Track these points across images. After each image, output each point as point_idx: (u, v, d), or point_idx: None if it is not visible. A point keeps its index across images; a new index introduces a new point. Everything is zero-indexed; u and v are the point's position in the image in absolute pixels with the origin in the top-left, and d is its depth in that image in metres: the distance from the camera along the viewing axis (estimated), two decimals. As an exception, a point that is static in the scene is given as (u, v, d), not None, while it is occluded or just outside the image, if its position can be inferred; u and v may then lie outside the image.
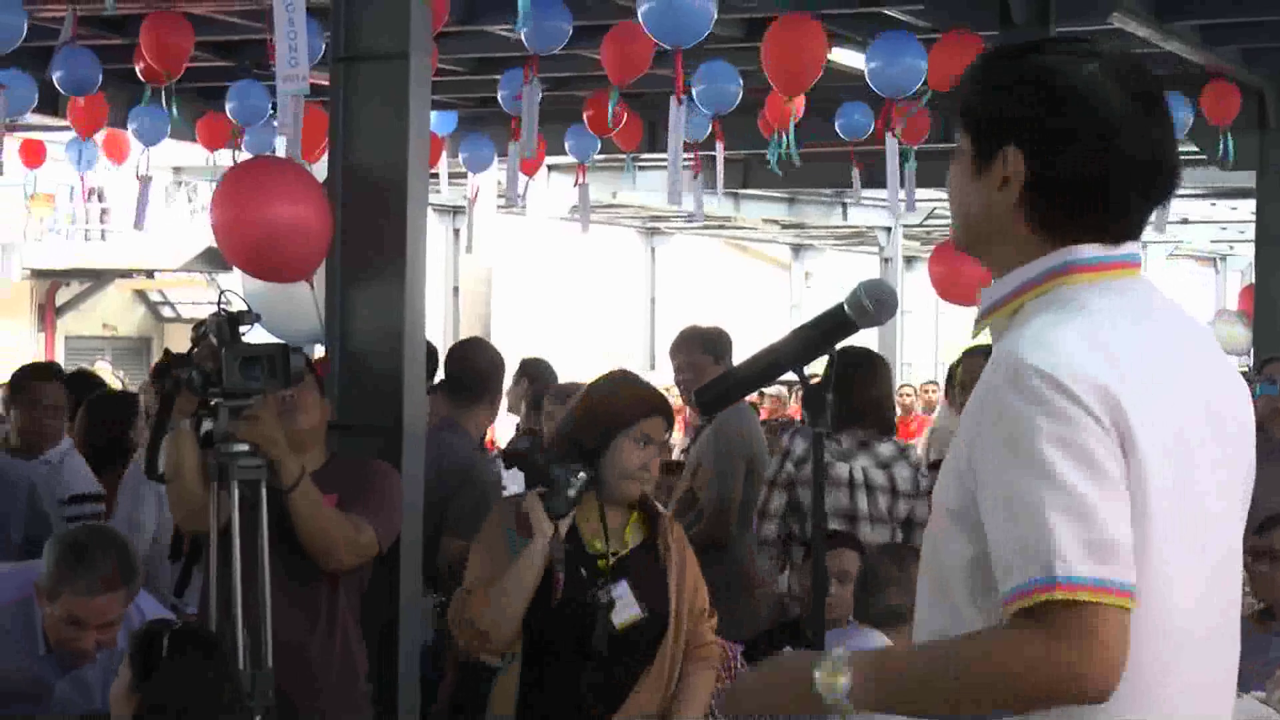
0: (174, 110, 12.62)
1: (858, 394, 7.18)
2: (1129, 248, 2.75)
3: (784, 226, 28.34)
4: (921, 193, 17.11)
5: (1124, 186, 2.71)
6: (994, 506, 2.58)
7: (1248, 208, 14.71)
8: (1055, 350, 2.57)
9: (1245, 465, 2.81)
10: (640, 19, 8.45)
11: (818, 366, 3.21)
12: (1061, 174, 2.68)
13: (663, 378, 19.20)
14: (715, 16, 8.47)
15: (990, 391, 2.63)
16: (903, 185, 12.83)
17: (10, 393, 7.99)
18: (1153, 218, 2.84)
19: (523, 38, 9.71)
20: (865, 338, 4.49)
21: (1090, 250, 2.71)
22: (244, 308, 5.22)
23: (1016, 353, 2.60)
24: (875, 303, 3.07)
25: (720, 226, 28.95)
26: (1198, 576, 2.70)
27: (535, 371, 10.10)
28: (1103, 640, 2.51)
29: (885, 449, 7.19)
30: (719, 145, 12.98)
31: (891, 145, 11.30)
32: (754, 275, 35.95)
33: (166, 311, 31.68)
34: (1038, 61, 2.73)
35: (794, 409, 17.05)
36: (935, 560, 2.78)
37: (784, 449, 7.25)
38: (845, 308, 3.07)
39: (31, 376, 7.79)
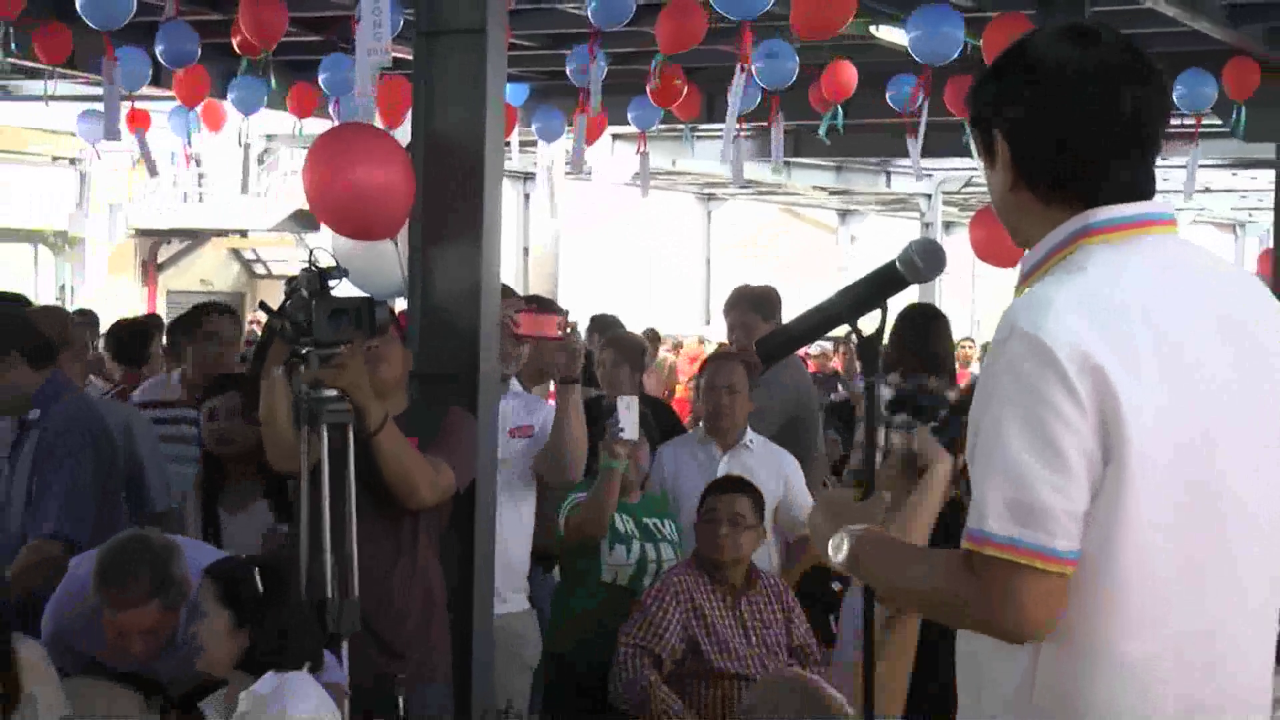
0: (268, 83, 12.68)
1: (928, 347, 7.34)
2: (1143, 207, 2.70)
3: (831, 193, 28.24)
4: (960, 161, 17.08)
5: (1094, 150, 2.69)
6: (974, 457, 2.62)
7: (1266, 177, 14.63)
8: (1045, 313, 2.56)
9: None
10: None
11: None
12: (1032, 146, 2.70)
13: (717, 333, 19.21)
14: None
15: (990, 351, 2.67)
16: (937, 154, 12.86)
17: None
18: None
19: (589, 14, 9.70)
20: (908, 297, 4.46)
21: (1105, 213, 2.68)
22: (332, 264, 5.23)
23: (1012, 315, 2.61)
24: (925, 260, 3.05)
25: (772, 192, 28.91)
26: (1198, 543, 2.62)
27: (603, 325, 10.12)
28: (1018, 600, 2.53)
29: (951, 396, 7.35)
30: (779, 117, 12.92)
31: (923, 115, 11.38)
32: (803, 239, 35.88)
33: (259, 268, 31.76)
34: (1015, 53, 2.75)
35: (837, 362, 16.99)
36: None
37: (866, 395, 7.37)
38: (897, 264, 3.05)
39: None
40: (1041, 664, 2.63)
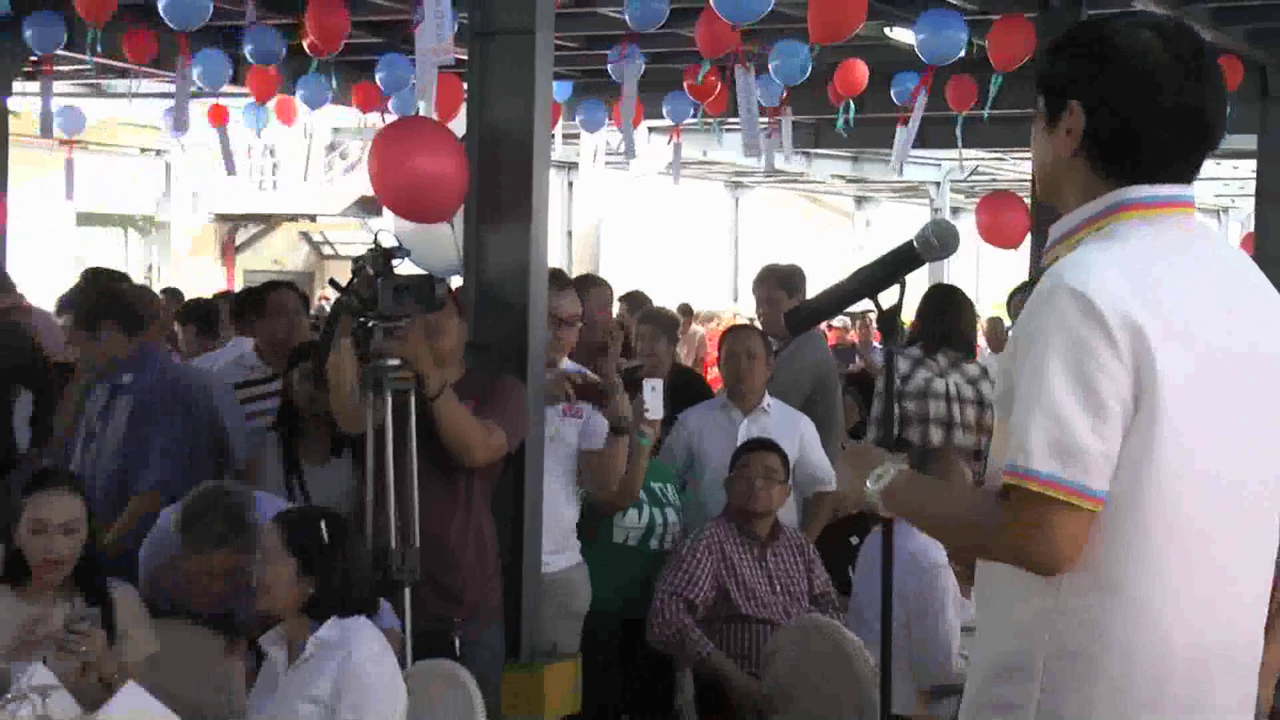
0: (334, 81, 12.69)
1: (950, 323, 7.45)
2: (1178, 189, 2.70)
3: (848, 181, 28.15)
4: (966, 152, 17.02)
5: (1163, 136, 2.67)
6: (1015, 399, 2.59)
7: (1248, 167, 14.55)
8: (1090, 274, 2.55)
9: None
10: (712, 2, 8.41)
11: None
12: (1110, 124, 2.66)
13: (744, 309, 19.16)
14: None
15: (1031, 304, 2.62)
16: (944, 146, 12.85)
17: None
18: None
19: (627, 17, 9.68)
20: (918, 277, 4.44)
21: (1142, 190, 2.68)
22: (395, 245, 5.23)
23: (1058, 273, 2.59)
24: (940, 240, 3.05)
25: (794, 181, 28.82)
26: (1209, 480, 2.62)
27: (634, 302, 10.12)
28: (1046, 532, 2.52)
29: (971, 368, 7.50)
30: (788, 111, 12.95)
31: (919, 107, 11.38)
32: (822, 223, 35.76)
33: (327, 250, 31.75)
34: (1098, 32, 2.72)
35: (853, 336, 16.93)
36: (998, 440, 2.75)
37: (917, 358, 7.45)
38: (915, 244, 3.04)
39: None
40: (1062, 602, 2.60)
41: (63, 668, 4.36)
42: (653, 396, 6.01)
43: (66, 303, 5.98)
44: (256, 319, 7.62)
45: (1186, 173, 2.72)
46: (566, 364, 6.20)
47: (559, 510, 5.99)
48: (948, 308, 7.68)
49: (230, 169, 14.49)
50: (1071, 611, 2.60)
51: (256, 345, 7.52)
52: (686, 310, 17.10)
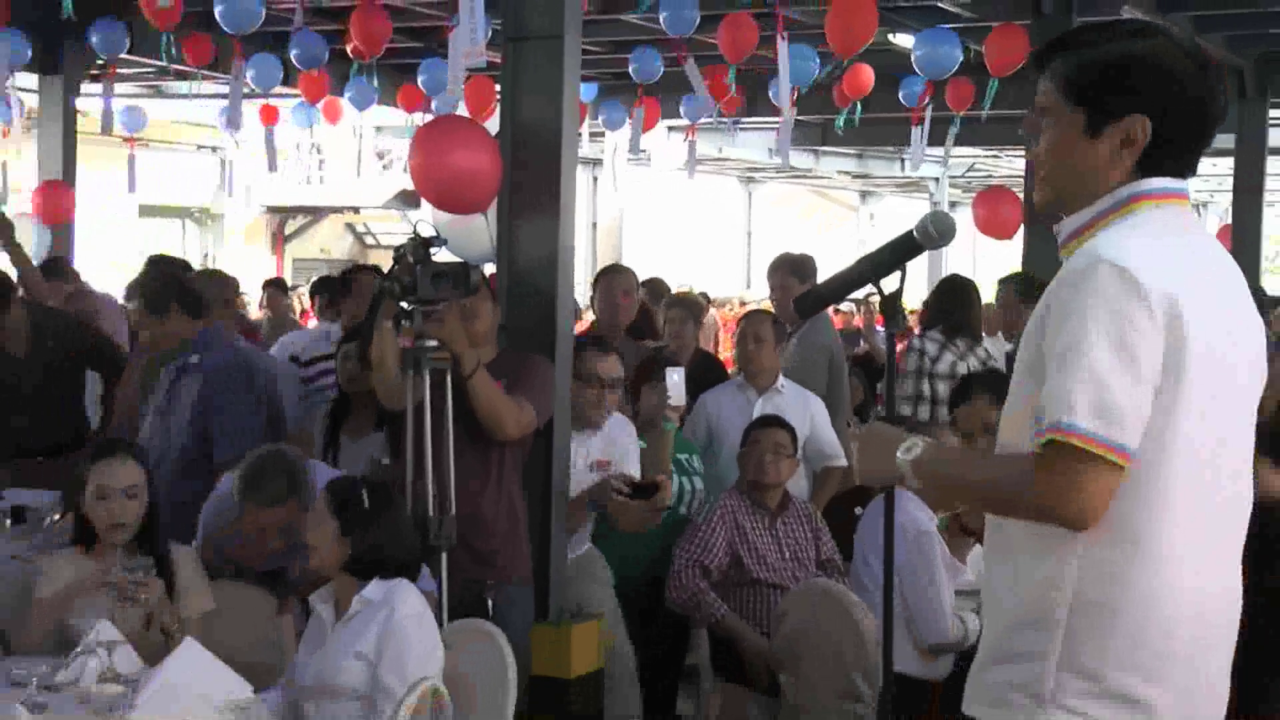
0: (375, 82, 12.70)
1: (964, 312, 7.65)
2: (1178, 183, 2.76)
3: (854, 176, 28.11)
4: (963, 150, 16.97)
5: (1196, 139, 2.75)
6: (1049, 364, 2.59)
7: (1226, 164, 14.53)
8: (1129, 252, 2.59)
9: (1260, 373, 2.80)
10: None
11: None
12: (1171, 133, 2.71)
13: (756, 296, 19.12)
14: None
15: (1065, 281, 2.63)
16: (944, 144, 12.94)
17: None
18: None
19: (661, 21, 9.68)
20: (918, 265, 4.42)
21: (1158, 183, 2.73)
22: (433, 234, 5.23)
23: (1095, 252, 2.61)
24: (938, 230, 3.04)
25: (803, 176, 28.75)
26: (1218, 451, 2.68)
27: (655, 289, 10.11)
28: (1081, 486, 2.53)
29: (981, 352, 7.71)
30: (794, 111, 12.96)
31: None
32: (829, 216, 35.69)
33: (369, 239, 31.77)
34: (1134, 50, 2.73)
35: (858, 321, 16.91)
36: (1010, 412, 2.79)
37: (918, 349, 7.61)
38: (914, 233, 3.04)
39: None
40: (1086, 555, 2.63)
41: (126, 626, 4.38)
42: (675, 384, 6.01)
43: (134, 289, 5.98)
44: (343, 299, 7.71)
45: (1190, 169, 2.78)
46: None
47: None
48: (963, 298, 7.85)
49: (272, 165, 14.49)
50: (1095, 564, 2.63)
51: (342, 324, 7.60)
52: (705, 298, 17.10)
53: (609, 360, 5.97)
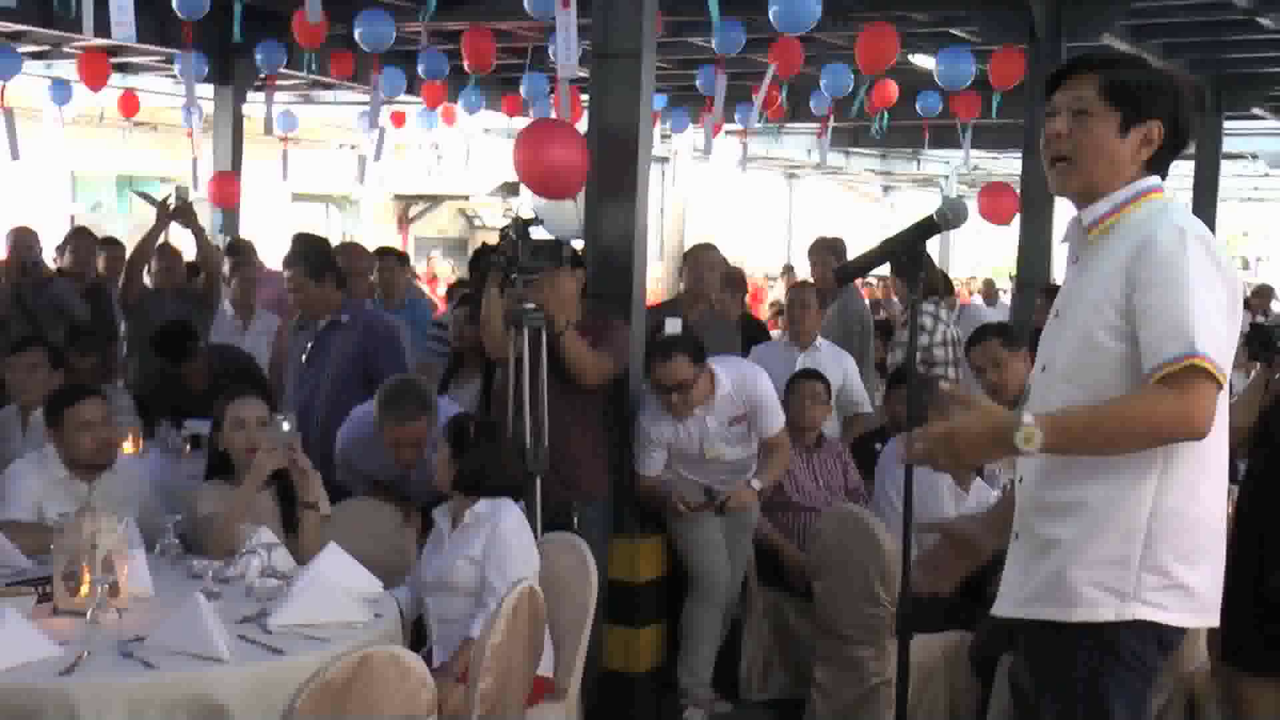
0: (483, 92, 12.70)
1: (934, 275, 7.48)
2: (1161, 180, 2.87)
3: (878, 173, 27.88)
4: (971, 151, 16.78)
5: (1181, 146, 2.84)
6: (1152, 317, 2.61)
7: (1187, 167, 14.36)
8: (1197, 224, 2.71)
9: None
10: (771, 16, 8.27)
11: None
12: (1172, 139, 2.81)
13: (800, 272, 18.99)
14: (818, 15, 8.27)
15: (1155, 246, 2.66)
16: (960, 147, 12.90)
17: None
18: None
19: (713, 44, 9.62)
20: (932, 243, 4.38)
21: (1155, 179, 2.83)
22: (532, 216, 5.24)
23: (1178, 224, 2.69)
24: (953, 214, 3.03)
25: (836, 173, 28.52)
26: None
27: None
28: (1210, 404, 2.58)
29: (944, 312, 7.57)
30: (830, 121, 12.96)
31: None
32: (857, 206, 35.38)
33: (477, 222, 31.78)
34: (1156, 73, 2.86)
35: (880, 292, 16.80)
36: (1087, 371, 2.74)
37: (933, 314, 7.41)
38: (934, 216, 3.01)
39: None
40: (1165, 475, 2.67)
41: (276, 528, 4.41)
42: (673, 324, 5.92)
43: (295, 258, 5.96)
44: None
45: (1168, 171, 2.87)
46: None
47: None
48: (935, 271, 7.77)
49: (378, 157, 14.32)
50: (1174, 480, 2.67)
51: None
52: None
53: (668, 367, 5.51)
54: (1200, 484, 2.70)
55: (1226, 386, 2.66)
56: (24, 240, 8.06)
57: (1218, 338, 2.57)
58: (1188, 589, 2.69)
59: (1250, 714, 4.00)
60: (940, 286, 7.61)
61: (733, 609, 5.83)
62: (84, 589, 3.74)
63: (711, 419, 5.60)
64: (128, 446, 5.59)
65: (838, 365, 6.93)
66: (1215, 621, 2.79)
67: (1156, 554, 2.66)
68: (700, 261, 7.20)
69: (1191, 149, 14.13)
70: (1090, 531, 2.70)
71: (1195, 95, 13.08)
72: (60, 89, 13.48)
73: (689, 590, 5.67)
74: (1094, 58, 2.86)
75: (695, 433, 5.61)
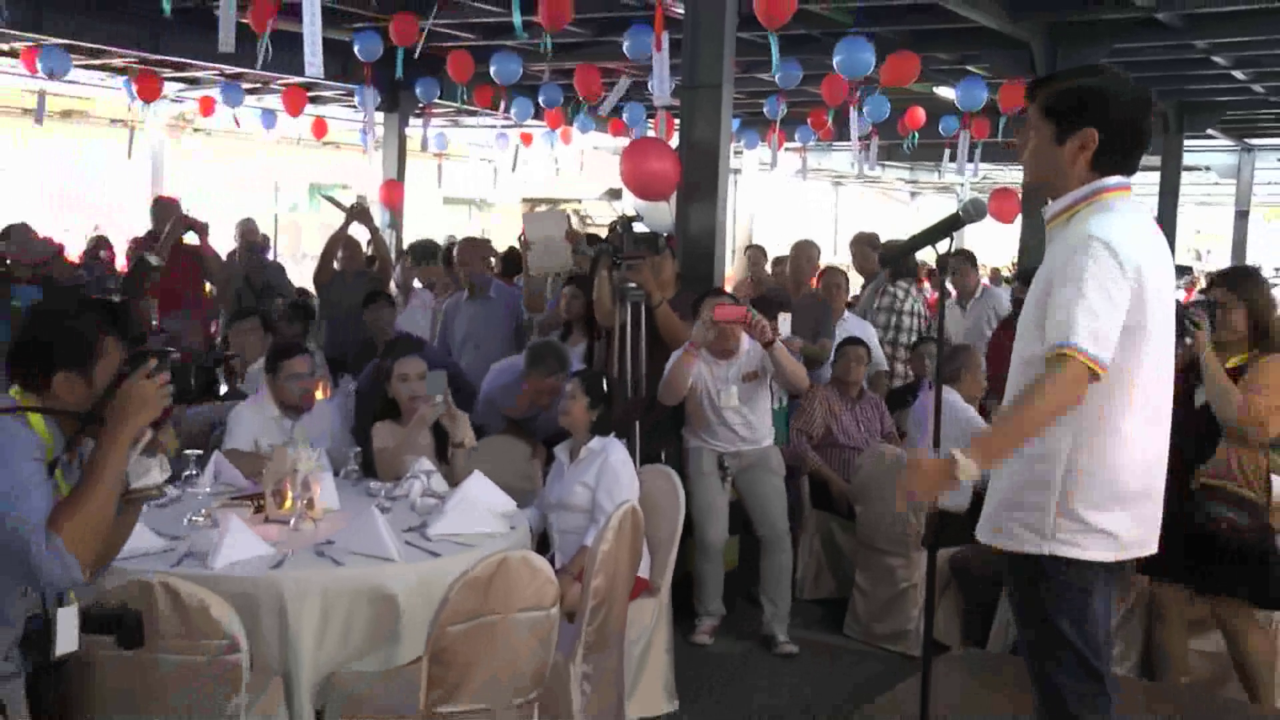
0: (593, 116, 12.63)
1: (913, 267, 7.28)
2: (1124, 179, 2.65)
3: (907, 182, 27.47)
4: (981, 165, 16.47)
5: (1132, 146, 2.63)
6: (1051, 310, 2.52)
7: (1154, 177, 13.99)
8: (1109, 230, 2.52)
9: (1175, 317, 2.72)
10: (835, 64, 8.16)
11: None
12: (1113, 141, 2.60)
13: (842, 261, 18.76)
14: (873, 64, 8.14)
15: (1065, 251, 2.55)
16: (971, 160, 12.71)
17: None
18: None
19: (776, 79, 9.51)
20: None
21: (1112, 180, 2.63)
22: (633, 214, 5.21)
23: (1088, 231, 2.53)
24: (975, 210, 2.95)
25: (874, 182, 28.14)
26: (1160, 364, 2.63)
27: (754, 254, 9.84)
28: (1082, 389, 2.47)
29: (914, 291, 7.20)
30: (874, 139, 12.71)
31: (964, 139, 11.12)
32: (889, 209, 34.89)
33: (588, 221, 31.85)
34: (1087, 84, 2.63)
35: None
36: (1026, 352, 2.66)
37: (891, 293, 7.13)
38: (960, 212, 2.94)
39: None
40: (1077, 438, 2.57)
41: (431, 457, 4.44)
42: (784, 323, 5.85)
43: (436, 255, 5.99)
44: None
45: (1133, 167, 2.66)
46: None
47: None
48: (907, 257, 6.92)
49: (514, 167, 14.42)
50: (1085, 445, 2.58)
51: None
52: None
53: (725, 306, 5.09)
54: (1112, 448, 2.55)
55: (1138, 363, 2.52)
56: (250, 231, 8.18)
57: (1098, 332, 2.42)
58: (1107, 532, 2.58)
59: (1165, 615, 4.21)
60: (914, 272, 7.42)
61: (783, 536, 5.38)
62: (288, 503, 3.81)
63: (733, 369, 5.29)
64: (319, 395, 5.66)
65: (862, 333, 6.82)
66: (1145, 553, 2.65)
67: (1068, 502, 2.57)
68: (799, 255, 7.14)
69: (1157, 161, 13.89)
70: (1016, 483, 2.65)
71: (1160, 117, 12.74)
72: (268, 117, 14.02)
73: (696, 546, 5.33)
74: (1039, 81, 2.71)
75: (717, 375, 5.09)
